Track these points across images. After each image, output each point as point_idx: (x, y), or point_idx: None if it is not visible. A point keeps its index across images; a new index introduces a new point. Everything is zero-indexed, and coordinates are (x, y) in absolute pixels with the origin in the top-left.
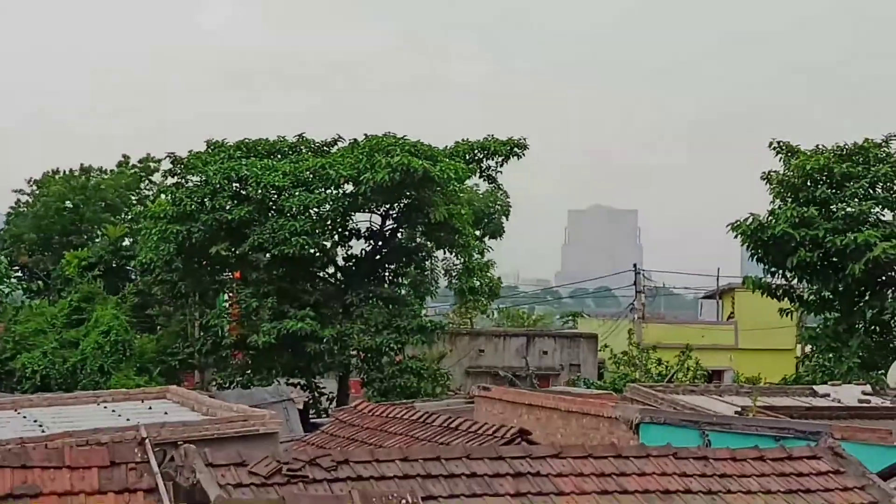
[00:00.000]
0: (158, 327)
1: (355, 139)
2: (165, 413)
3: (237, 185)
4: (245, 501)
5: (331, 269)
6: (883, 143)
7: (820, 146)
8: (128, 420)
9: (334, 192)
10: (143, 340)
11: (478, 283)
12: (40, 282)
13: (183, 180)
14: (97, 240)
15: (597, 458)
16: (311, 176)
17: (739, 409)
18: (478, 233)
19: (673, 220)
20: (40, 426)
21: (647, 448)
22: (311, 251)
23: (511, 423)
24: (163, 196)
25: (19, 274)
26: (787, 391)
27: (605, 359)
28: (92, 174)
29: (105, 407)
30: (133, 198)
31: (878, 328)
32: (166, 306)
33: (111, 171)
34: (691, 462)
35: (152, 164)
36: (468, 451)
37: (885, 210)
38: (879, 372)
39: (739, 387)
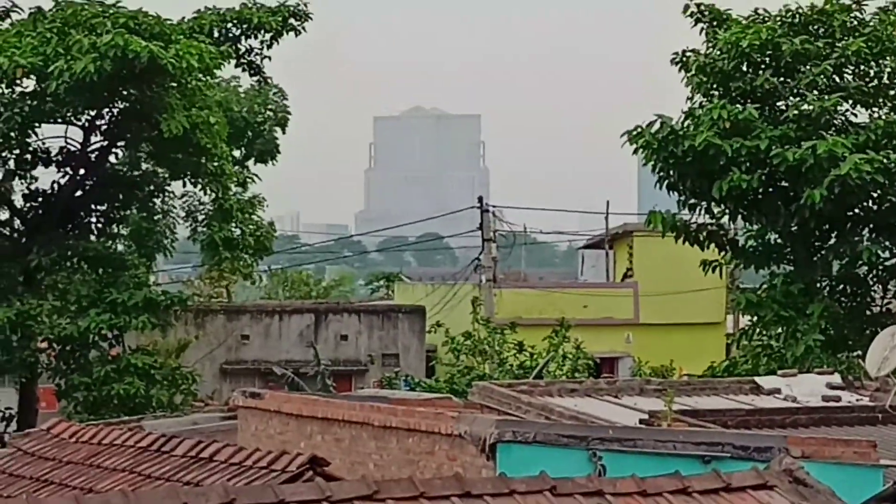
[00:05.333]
0: None
1: (38, 8)
2: None
3: None
4: None
5: (4, 214)
6: (854, 5)
7: (761, 11)
8: None
9: (5, 91)
10: None
11: (238, 232)
12: None
13: None
14: None
15: (433, 500)
16: None
17: (647, 417)
18: (237, 154)
19: (531, 132)
20: None
21: (509, 481)
22: None
23: (297, 447)
24: None
25: None
26: (717, 386)
27: (438, 345)
28: None
29: None
30: None
31: (849, 288)
32: None
33: None
34: (579, 500)
35: None
36: (231, 495)
37: (859, 107)
38: (853, 354)
39: (644, 382)
